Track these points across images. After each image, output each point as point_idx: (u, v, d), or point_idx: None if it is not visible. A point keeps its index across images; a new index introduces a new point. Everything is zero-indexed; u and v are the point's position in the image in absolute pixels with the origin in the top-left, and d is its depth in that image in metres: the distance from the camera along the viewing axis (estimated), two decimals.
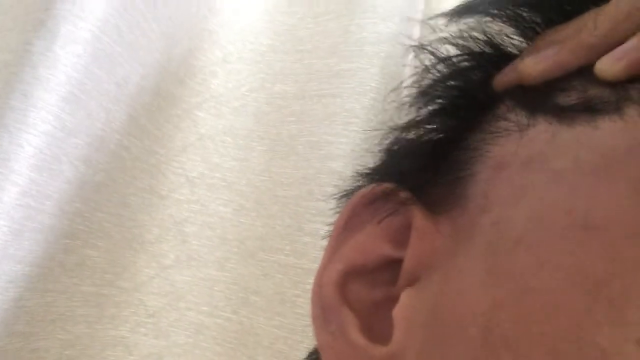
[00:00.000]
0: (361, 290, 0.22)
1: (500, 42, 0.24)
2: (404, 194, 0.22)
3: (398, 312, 0.21)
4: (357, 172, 0.25)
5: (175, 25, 0.40)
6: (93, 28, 0.29)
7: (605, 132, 0.20)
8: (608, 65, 0.21)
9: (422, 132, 0.24)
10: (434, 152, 0.23)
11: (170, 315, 0.40)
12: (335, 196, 0.26)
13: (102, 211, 0.36)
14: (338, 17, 0.40)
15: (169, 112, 0.40)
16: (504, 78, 0.23)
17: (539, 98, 0.22)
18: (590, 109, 0.20)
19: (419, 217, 0.22)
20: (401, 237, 0.22)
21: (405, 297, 0.21)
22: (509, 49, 0.24)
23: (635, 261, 0.17)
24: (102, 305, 0.37)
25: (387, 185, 0.22)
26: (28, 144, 0.27)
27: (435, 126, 0.24)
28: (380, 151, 0.25)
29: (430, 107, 0.24)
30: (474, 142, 0.22)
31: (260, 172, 0.41)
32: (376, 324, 0.22)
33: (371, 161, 0.25)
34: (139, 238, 0.38)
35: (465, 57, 0.24)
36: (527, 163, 0.21)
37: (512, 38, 0.24)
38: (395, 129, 0.24)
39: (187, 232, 0.41)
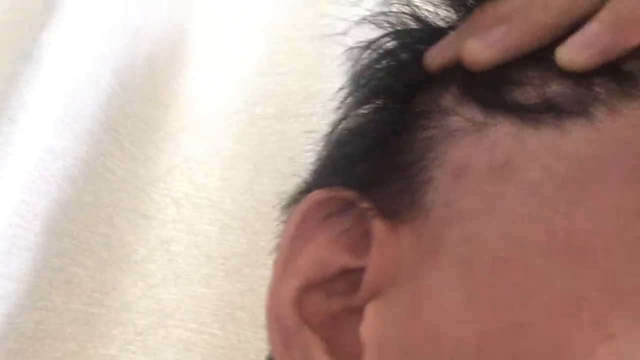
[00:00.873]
0: (318, 303, 0.20)
1: (427, 15, 0.22)
2: (356, 199, 0.20)
3: (366, 330, 0.19)
4: (303, 176, 0.23)
5: (158, 53, 0.41)
6: (78, 56, 0.31)
7: (575, 138, 0.18)
8: (572, 55, 0.19)
9: (361, 125, 0.22)
10: (377, 147, 0.21)
11: (158, 333, 0.41)
12: (281, 204, 0.24)
13: (90, 231, 0.37)
14: (312, 40, 0.42)
15: (154, 135, 0.41)
16: (439, 57, 0.21)
17: (491, 90, 0.20)
18: (554, 110, 0.18)
19: (377, 226, 0.20)
20: (360, 245, 0.20)
21: (372, 314, 0.19)
22: (438, 22, 0.22)
23: (634, 287, 0.16)
24: (91, 324, 0.38)
25: (337, 190, 0.21)
26: (17, 166, 0.29)
27: (372, 117, 0.22)
28: (324, 149, 0.24)
29: (363, 97, 0.22)
30: (425, 140, 0.20)
31: (245, 191, 0.43)
32: (339, 341, 0.20)
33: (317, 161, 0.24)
34: (126, 258, 0.39)
35: (391, 36, 0.22)
36: (493, 171, 0.19)
37: (440, 9, 0.22)
38: (336, 124, 0.23)
39: (174, 251, 0.42)
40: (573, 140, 0.18)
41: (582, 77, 0.19)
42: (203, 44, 0.45)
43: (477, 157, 0.19)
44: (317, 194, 0.21)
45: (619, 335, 0.15)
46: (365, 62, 0.23)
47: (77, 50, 0.31)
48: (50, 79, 0.30)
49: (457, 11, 0.22)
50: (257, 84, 0.44)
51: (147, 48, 0.37)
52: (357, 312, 0.19)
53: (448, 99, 0.21)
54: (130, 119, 0.37)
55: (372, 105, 0.22)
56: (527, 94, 0.19)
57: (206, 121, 0.44)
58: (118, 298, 0.39)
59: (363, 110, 0.23)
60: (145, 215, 0.42)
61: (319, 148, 0.30)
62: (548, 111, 0.19)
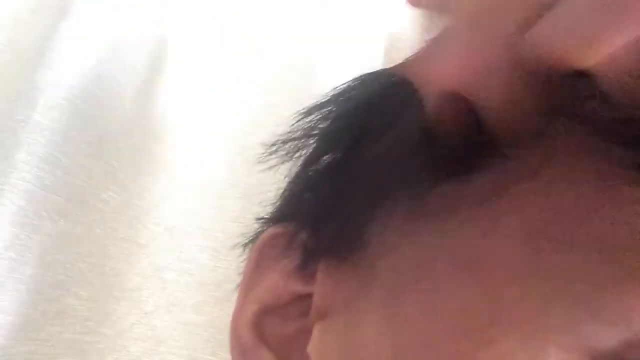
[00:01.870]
0: (276, 326, 0.23)
1: None
2: (305, 237, 0.23)
3: (311, 349, 0.21)
4: (260, 217, 0.27)
5: (147, 88, 0.43)
6: (69, 95, 0.32)
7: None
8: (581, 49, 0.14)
9: (309, 168, 0.24)
10: (324, 188, 0.23)
11: None
12: (243, 244, 0.27)
13: (84, 261, 0.38)
14: (299, 73, 0.43)
15: (148, 166, 0.42)
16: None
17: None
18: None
19: (321, 260, 0.22)
20: (310, 273, 0.23)
21: (317, 334, 0.22)
22: None
23: (512, 298, 0.18)
24: (85, 353, 0.39)
25: (289, 227, 0.23)
26: (11, 202, 0.30)
27: (316, 162, 0.24)
28: (282, 190, 0.26)
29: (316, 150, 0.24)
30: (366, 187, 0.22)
31: (235, 219, 0.44)
32: (293, 358, 0.22)
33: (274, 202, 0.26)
34: (119, 286, 0.40)
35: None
36: (413, 212, 0.20)
37: None
38: (294, 166, 0.25)
39: (167, 279, 0.43)
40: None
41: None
42: (192, 75, 0.46)
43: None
44: (273, 230, 0.24)
45: (498, 341, 0.17)
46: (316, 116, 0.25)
47: (68, 91, 0.32)
48: (43, 117, 0.31)
49: None
50: (246, 112, 0.45)
51: (137, 85, 0.38)
52: (309, 333, 0.22)
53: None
54: (123, 152, 0.39)
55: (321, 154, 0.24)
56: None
57: (197, 151, 0.46)
58: (112, 326, 0.40)
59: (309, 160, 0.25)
60: (139, 243, 0.43)
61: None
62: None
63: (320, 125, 0.25)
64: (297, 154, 0.26)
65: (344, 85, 0.26)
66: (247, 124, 0.45)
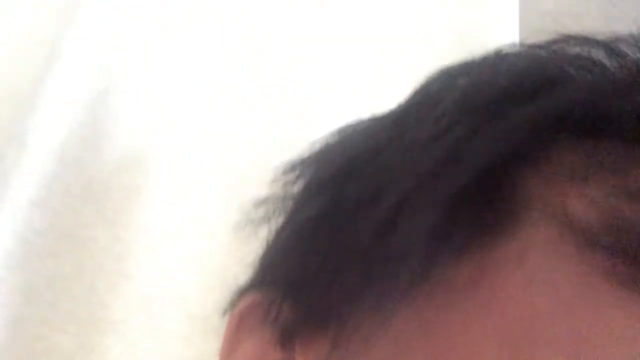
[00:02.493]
0: None
1: None
2: (283, 305, 0.22)
3: None
4: (240, 283, 0.26)
5: (136, 125, 0.43)
6: (60, 140, 0.32)
7: None
8: None
9: (288, 233, 0.24)
10: (302, 257, 0.23)
11: None
12: (225, 309, 0.26)
13: (72, 297, 0.38)
14: (294, 116, 0.43)
15: (136, 200, 0.42)
16: None
17: None
18: None
19: (298, 330, 0.22)
20: (289, 342, 0.22)
21: None
22: None
23: None
24: None
25: (268, 294, 0.23)
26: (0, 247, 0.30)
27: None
28: (262, 252, 0.25)
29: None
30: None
31: (227, 253, 0.44)
32: None
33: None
34: (106, 319, 0.40)
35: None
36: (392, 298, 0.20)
37: None
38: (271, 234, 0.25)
39: (154, 310, 0.43)
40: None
41: None
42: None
43: None
44: (252, 297, 0.23)
45: None
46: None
47: (58, 134, 0.32)
48: (34, 161, 0.31)
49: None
50: (238, 142, 0.45)
51: (125, 127, 0.38)
52: None
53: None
54: (112, 191, 0.39)
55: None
56: None
57: (185, 181, 0.46)
58: (99, 358, 0.40)
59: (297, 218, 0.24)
60: (126, 275, 0.43)
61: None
62: None
63: (301, 186, 0.24)
64: (278, 215, 0.25)
65: (326, 141, 0.25)
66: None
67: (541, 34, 0.23)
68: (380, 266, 0.20)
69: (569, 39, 0.24)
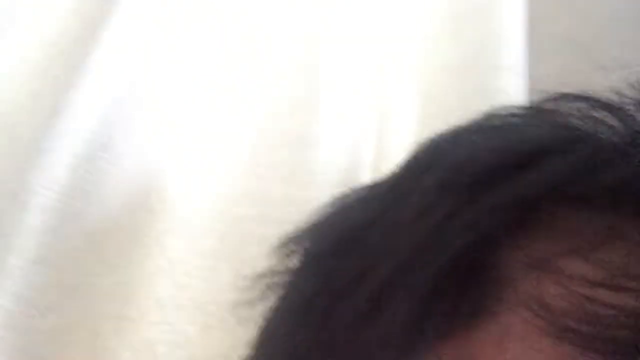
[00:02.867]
0: None
1: None
2: None
3: None
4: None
5: (139, 167, 0.43)
6: (61, 196, 0.32)
7: None
8: None
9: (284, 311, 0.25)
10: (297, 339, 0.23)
11: None
12: None
13: (74, 344, 0.38)
14: (290, 147, 0.43)
15: (139, 241, 0.43)
16: None
17: None
18: None
19: None
20: None
21: None
22: None
23: None
24: None
25: None
26: None
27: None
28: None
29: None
30: None
31: (226, 292, 0.44)
32: None
33: None
34: None
35: None
36: None
37: None
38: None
39: (158, 353, 0.43)
40: None
41: None
42: (183, 148, 0.46)
43: None
44: None
45: None
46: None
47: (59, 191, 0.33)
48: (35, 220, 0.32)
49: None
50: (238, 186, 0.45)
51: (128, 171, 0.38)
52: None
53: None
54: (114, 233, 0.39)
55: None
56: None
57: (189, 221, 0.46)
58: None
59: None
60: (130, 318, 0.43)
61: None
62: None
63: (296, 262, 0.25)
64: (274, 291, 0.26)
65: (322, 213, 0.26)
66: (239, 196, 0.45)
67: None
68: (362, 353, 0.21)
69: (565, 99, 0.24)
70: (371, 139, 0.43)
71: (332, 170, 0.42)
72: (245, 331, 0.46)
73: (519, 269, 0.20)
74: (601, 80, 0.53)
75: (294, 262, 0.26)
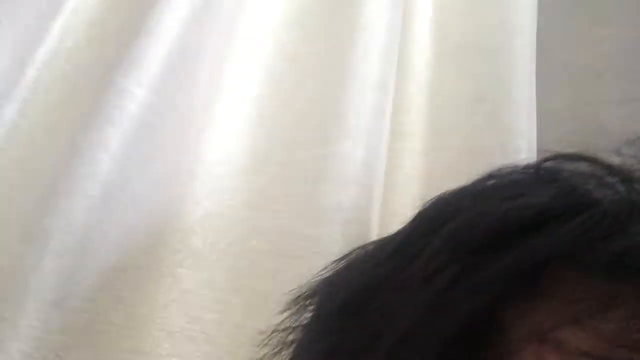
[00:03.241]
0: None
1: None
2: None
3: None
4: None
5: (159, 187, 0.43)
6: (78, 238, 0.33)
7: None
8: None
9: None
10: None
11: None
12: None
13: None
14: (305, 182, 0.44)
15: (152, 274, 0.43)
16: None
17: None
18: None
19: None
20: None
21: None
22: None
23: None
24: None
25: None
26: (17, 350, 0.31)
27: None
28: None
29: None
30: None
31: (237, 325, 0.44)
32: None
33: None
34: None
35: None
36: None
37: None
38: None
39: None
40: None
41: None
42: (199, 179, 0.47)
43: None
44: None
45: None
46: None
47: (75, 233, 0.33)
48: (51, 263, 0.32)
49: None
50: (250, 218, 0.46)
51: (145, 203, 0.39)
52: None
53: None
54: (129, 270, 0.39)
55: None
56: None
57: (201, 253, 0.46)
58: None
59: None
60: (142, 351, 0.43)
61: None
62: None
63: (307, 320, 0.26)
64: (286, 348, 0.26)
65: (334, 269, 0.26)
66: (252, 229, 0.45)
67: None
68: None
69: (564, 158, 0.25)
70: (380, 177, 0.44)
71: (343, 208, 0.42)
72: None
73: (520, 339, 0.20)
74: (612, 112, 0.54)
75: (306, 318, 0.26)
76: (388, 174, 0.48)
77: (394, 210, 0.49)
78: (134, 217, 0.38)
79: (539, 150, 0.48)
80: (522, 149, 0.46)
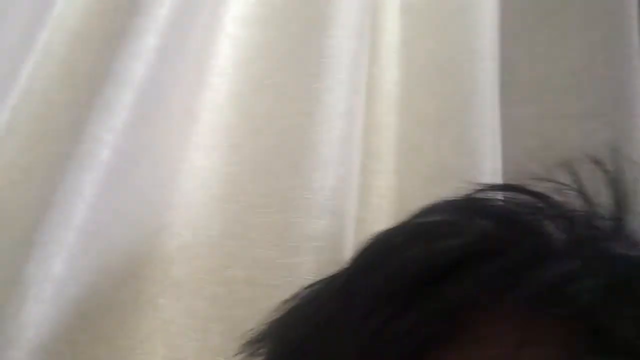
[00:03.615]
0: None
1: None
2: None
3: None
4: None
5: (135, 227, 0.44)
6: (56, 285, 0.34)
7: None
8: None
9: None
10: None
11: None
12: None
13: None
14: (279, 212, 0.45)
15: (132, 306, 0.44)
16: None
17: None
18: None
19: None
20: None
21: None
22: None
23: None
24: None
25: None
26: None
27: None
28: None
29: None
30: None
31: (217, 354, 0.46)
32: None
33: None
34: None
35: None
36: None
37: None
38: None
39: None
40: None
41: None
42: (176, 210, 0.48)
43: None
44: None
45: None
46: None
47: (55, 280, 0.34)
48: (31, 312, 0.33)
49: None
50: (228, 247, 0.47)
51: (125, 238, 0.40)
52: None
53: None
54: (109, 309, 0.40)
55: None
56: None
57: (181, 283, 0.47)
58: None
59: None
60: None
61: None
62: None
63: None
64: None
65: (284, 310, 0.28)
66: (229, 258, 0.47)
67: None
68: None
69: (497, 189, 0.26)
70: (352, 204, 0.45)
71: (316, 237, 0.43)
72: None
73: None
74: (575, 127, 0.55)
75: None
76: (362, 194, 0.50)
77: (371, 229, 0.51)
78: (112, 258, 0.40)
79: (504, 170, 0.50)
80: (487, 170, 0.48)
